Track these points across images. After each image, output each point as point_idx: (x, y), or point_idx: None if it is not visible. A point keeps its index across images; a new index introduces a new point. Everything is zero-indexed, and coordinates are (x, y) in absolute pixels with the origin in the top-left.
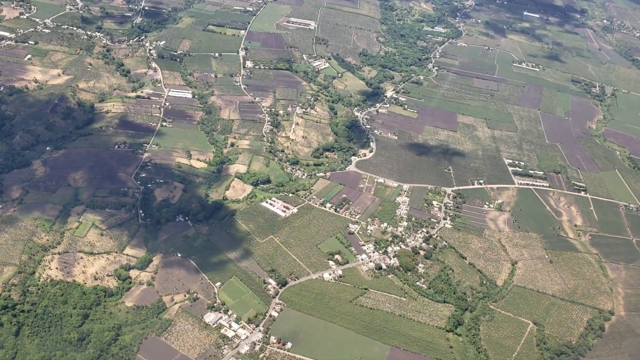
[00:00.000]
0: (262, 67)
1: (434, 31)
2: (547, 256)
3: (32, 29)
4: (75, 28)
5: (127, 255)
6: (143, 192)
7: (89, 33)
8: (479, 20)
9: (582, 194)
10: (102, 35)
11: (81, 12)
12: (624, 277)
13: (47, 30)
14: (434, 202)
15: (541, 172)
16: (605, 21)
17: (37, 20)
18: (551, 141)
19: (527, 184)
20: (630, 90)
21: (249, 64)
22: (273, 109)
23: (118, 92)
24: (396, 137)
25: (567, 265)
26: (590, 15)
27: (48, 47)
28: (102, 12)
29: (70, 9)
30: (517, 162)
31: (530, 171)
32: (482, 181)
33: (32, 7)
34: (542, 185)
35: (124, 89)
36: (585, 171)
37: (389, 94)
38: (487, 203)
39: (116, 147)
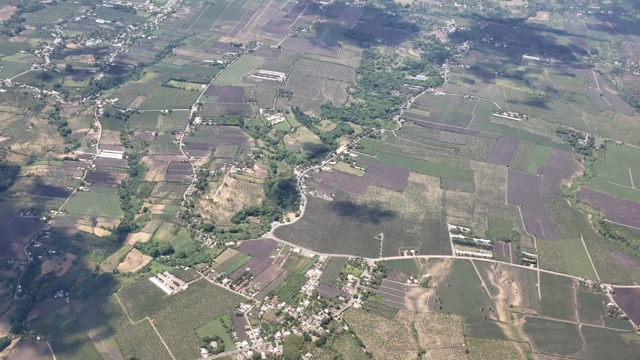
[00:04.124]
0: (210, 123)
1: (414, 79)
2: (464, 344)
3: None
4: (32, 87)
5: None
6: (29, 264)
7: (44, 92)
8: (468, 66)
9: (531, 266)
10: (57, 93)
11: (45, 69)
12: None
13: (3, 90)
14: (350, 277)
15: (487, 241)
16: (616, 62)
17: None
18: (511, 203)
19: (467, 255)
20: (626, 141)
21: (197, 120)
22: (205, 169)
23: (51, 154)
24: (332, 199)
25: (485, 357)
26: (600, 56)
27: None
28: (67, 68)
29: (36, 67)
30: (462, 229)
31: (474, 239)
32: (413, 251)
33: (0, 66)
34: (484, 257)
35: (58, 150)
36: (543, 239)
37: (340, 149)
38: (411, 277)
39: (21, 214)
